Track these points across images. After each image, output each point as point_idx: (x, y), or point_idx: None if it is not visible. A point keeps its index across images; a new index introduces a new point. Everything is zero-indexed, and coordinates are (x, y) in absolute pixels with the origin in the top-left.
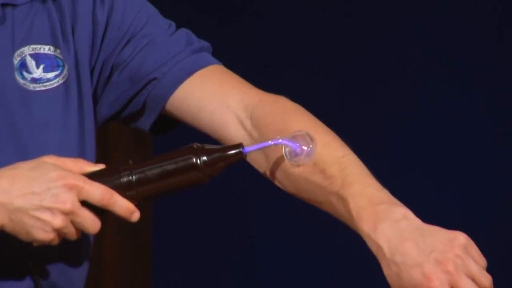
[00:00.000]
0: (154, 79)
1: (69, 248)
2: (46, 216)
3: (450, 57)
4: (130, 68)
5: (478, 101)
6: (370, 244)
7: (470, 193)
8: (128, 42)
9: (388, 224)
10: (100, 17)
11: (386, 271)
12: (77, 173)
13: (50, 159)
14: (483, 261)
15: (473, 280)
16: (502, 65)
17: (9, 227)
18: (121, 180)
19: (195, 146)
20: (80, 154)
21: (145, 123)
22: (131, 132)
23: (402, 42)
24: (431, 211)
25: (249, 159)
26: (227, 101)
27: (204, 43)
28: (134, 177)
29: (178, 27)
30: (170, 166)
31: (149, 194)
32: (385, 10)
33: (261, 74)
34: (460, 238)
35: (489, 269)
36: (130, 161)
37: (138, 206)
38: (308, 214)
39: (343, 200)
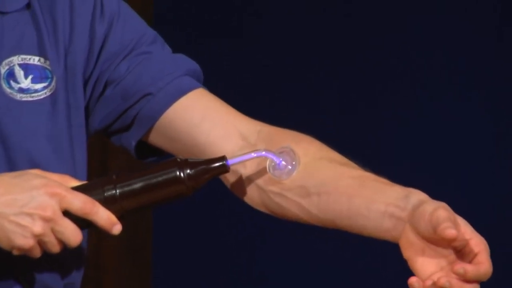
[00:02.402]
0: (149, 94)
1: (61, 253)
2: (26, 221)
3: (450, 57)
4: (124, 83)
5: (478, 101)
6: (409, 192)
7: (470, 193)
8: (124, 58)
9: None
10: (99, 32)
11: (428, 207)
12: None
13: (35, 171)
14: None
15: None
16: (502, 65)
17: None
18: (105, 194)
19: (178, 160)
20: (70, 164)
21: (130, 140)
22: None
23: (402, 42)
24: None
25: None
26: (230, 118)
27: (199, 70)
28: (117, 191)
29: (178, 26)
30: (153, 180)
31: (133, 207)
32: (385, 10)
33: (261, 74)
34: None
35: None
36: (114, 176)
37: (121, 218)
38: None
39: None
